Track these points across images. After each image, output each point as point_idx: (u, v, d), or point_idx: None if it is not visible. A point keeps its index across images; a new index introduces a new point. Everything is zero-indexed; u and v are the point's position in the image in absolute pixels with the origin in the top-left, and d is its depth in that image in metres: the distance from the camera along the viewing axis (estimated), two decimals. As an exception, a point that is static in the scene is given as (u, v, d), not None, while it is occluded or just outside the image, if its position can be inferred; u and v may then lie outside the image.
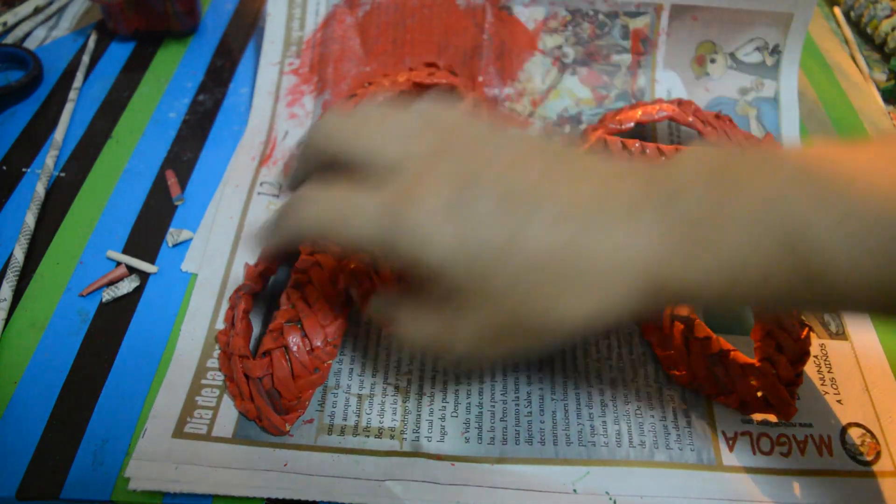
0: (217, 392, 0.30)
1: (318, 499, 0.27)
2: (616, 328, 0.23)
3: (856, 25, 0.55)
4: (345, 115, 0.25)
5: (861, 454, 0.29)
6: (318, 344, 0.30)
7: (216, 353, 0.32)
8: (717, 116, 0.39)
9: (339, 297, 0.30)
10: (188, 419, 0.29)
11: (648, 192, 0.21)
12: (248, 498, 0.27)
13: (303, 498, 0.27)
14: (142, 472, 0.27)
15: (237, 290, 0.33)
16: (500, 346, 0.23)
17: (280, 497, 0.27)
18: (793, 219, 0.19)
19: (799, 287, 0.19)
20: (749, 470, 0.29)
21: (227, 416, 0.29)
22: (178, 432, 0.29)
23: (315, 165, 0.26)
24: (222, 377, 0.31)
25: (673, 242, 0.20)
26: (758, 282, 0.20)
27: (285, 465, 0.28)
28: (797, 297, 0.20)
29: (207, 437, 0.29)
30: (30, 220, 0.36)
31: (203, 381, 0.31)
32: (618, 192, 0.22)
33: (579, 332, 0.22)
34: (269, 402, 0.29)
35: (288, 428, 0.29)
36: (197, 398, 0.30)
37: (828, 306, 0.21)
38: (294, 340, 0.29)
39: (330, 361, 0.30)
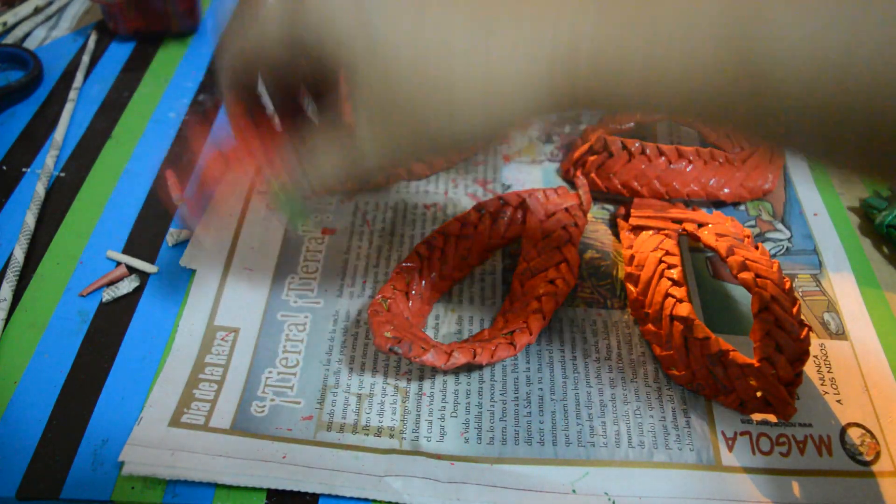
0: (215, 387, 0.30)
1: (318, 491, 0.27)
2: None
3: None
4: None
5: (860, 454, 0.29)
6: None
7: (215, 348, 0.32)
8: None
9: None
10: (185, 410, 0.29)
11: None
12: (248, 489, 0.27)
13: (303, 490, 0.27)
14: (136, 458, 0.27)
15: None
16: (401, 140, 0.22)
17: (280, 488, 0.27)
18: (736, 21, 0.18)
19: (736, 93, 0.18)
20: (748, 470, 0.29)
21: (225, 408, 0.30)
22: (175, 421, 0.29)
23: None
24: (221, 372, 0.31)
25: (595, 23, 0.20)
26: (689, 72, 0.19)
27: (284, 457, 0.28)
28: (734, 105, 0.19)
29: (205, 428, 0.29)
30: (30, 220, 0.36)
31: (201, 376, 0.31)
32: None
33: (486, 127, 0.22)
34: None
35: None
36: (194, 391, 0.30)
37: (766, 123, 0.19)
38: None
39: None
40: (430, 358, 0.28)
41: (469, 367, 0.31)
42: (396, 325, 0.29)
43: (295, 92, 0.26)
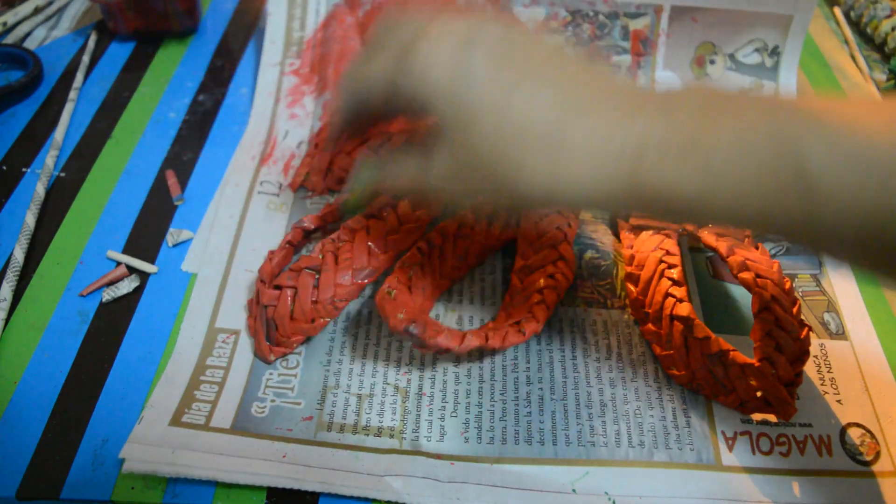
0: (216, 388, 0.30)
1: (318, 490, 0.27)
2: (579, 209, 0.25)
3: (856, 25, 0.55)
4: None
5: (860, 454, 0.29)
6: (325, 298, 0.31)
7: (216, 350, 0.32)
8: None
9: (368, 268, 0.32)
10: (186, 410, 0.29)
11: (646, 102, 0.23)
12: (248, 488, 0.27)
13: (303, 489, 0.27)
14: (137, 455, 0.27)
15: (296, 223, 0.34)
16: (468, 185, 0.25)
17: (280, 486, 0.27)
18: (789, 137, 0.20)
19: (786, 202, 0.20)
20: (748, 470, 0.29)
21: (226, 409, 0.30)
22: (175, 421, 0.29)
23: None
24: (222, 374, 0.31)
25: (660, 140, 0.21)
26: (743, 187, 0.20)
27: (284, 456, 0.28)
28: (783, 213, 0.20)
29: (205, 427, 0.29)
30: (30, 220, 0.36)
31: (202, 378, 0.31)
32: (616, 94, 0.23)
33: (553, 198, 0.23)
34: (265, 330, 0.31)
35: (272, 358, 0.31)
36: (195, 392, 0.30)
37: (812, 230, 0.20)
38: (304, 286, 0.31)
39: (327, 319, 0.31)
40: (444, 340, 0.28)
41: (469, 365, 0.31)
42: (407, 311, 0.29)
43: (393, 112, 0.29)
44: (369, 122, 0.31)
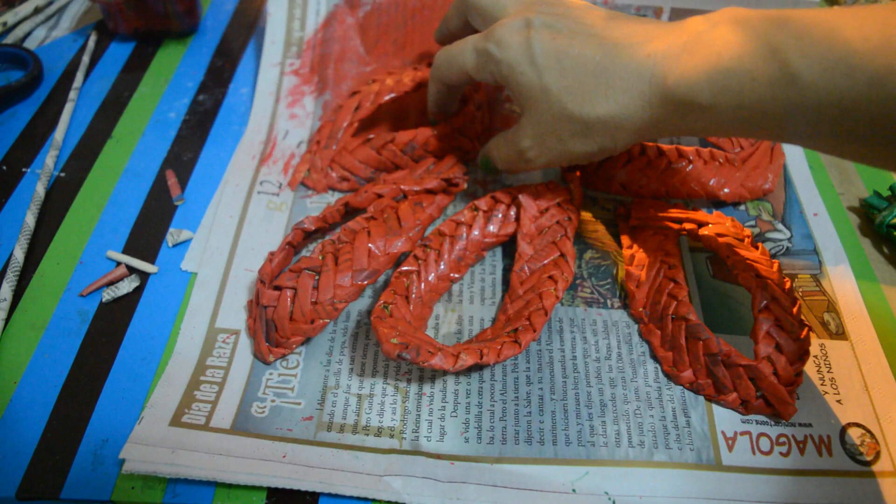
0: (216, 388, 0.30)
1: (318, 490, 0.27)
2: (629, 131, 0.30)
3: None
4: None
5: (861, 454, 0.29)
6: (325, 300, 0.31)
7: (216, 350, 0.32)
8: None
9: (368, 270, 0.32)
10: (186, 410, 0.29)
11: (667, 30, 0.29)
12: (248, 488, 0.27)
13: (303, 489, 0.27)
14: (137, 455, 0.27)
15: (296, 224, 0.35)
16: (554, 143, 0.32)
17: (280, 486, 0.27)
18: (778, 42, 0.25)
19: (776, 95, 0.25)
20: (748, 470, 0.29)
21: (226, 409, 0.30)
22: (176, 421, 0.29)
23: (459, 22, 0.37)
24: (222, 374, 0.31)
25: (675, 55, 0.28)
26: (743, 84, 0.26)
27: (284, 456, 0.28)
28: (774, 105, 0.25)
29: (205, 427, 0.29)
30: (30, 220, 0.36)
31: (202, 378, 0.31)
32: (643, 33, 0.30)
33: (608, 128, 0.30)
34: (265, 331, 0.31)
35: (272, 359, 0.31)
36: (195, 392, 0.30)
37: (799, 120, 0.25)
38: (304, 287, 0.31)
39: (326, 320, 0.31)
40: (437, 361, 0.28)
41: (471, 367, 0.31)
42: (401, 331, 0.29)
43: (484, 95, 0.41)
44: (459, 94, 0.39)
